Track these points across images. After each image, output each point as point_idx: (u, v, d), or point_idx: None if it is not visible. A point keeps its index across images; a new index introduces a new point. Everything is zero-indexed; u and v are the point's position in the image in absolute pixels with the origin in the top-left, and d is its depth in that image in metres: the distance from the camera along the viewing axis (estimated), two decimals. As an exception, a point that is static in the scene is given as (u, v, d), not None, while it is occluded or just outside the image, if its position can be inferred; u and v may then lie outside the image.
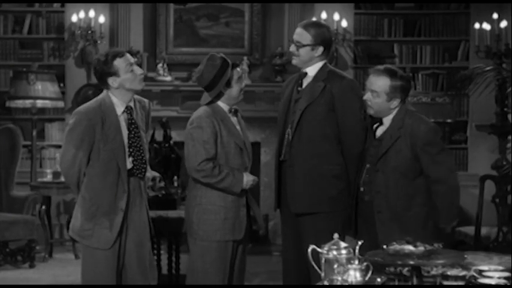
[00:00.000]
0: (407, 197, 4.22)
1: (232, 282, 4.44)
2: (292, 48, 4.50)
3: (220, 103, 4.39)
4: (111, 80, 4.24)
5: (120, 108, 4.28)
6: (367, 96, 4.27)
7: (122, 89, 4.26)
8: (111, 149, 4.22)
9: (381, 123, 4.31)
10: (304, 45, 4.45)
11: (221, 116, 4.37)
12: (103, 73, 4.25)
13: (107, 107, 4.25)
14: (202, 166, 4.30)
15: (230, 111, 4.41)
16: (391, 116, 4.27)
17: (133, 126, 4.30)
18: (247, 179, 4.36)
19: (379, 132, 4.31)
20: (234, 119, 4.43)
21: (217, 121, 4.34)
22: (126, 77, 4.23)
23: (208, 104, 4.39)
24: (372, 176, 4.28)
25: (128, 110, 4.30)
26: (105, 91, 4.31)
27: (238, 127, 4.43)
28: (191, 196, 4.45)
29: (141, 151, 4.32)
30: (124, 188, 4.25)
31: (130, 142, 4.28)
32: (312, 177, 4.42)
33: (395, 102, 4.24)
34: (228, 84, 4.35)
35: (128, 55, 4.30)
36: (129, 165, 4.27)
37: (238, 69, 4.42)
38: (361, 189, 4.34)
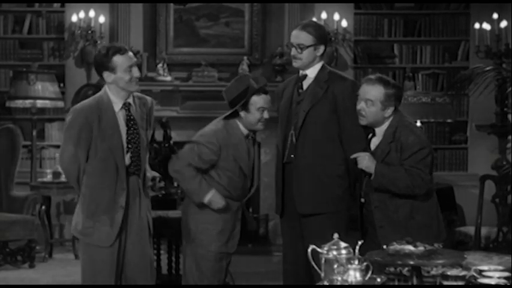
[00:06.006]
0: (408, 208, 4.22)
1: None
2: (294, 52, 4.47)
3: (241, 126, 4.41)
4: (106, 74, 4.23)
5: (117, 105, 4.27)
6: (361, 106, 4.26)
7: (116, 86, 4.25)
8: (109, 147, 4.22)
9: (374, 135, 4.32)
10: (307, 47, 4.44)
11: (236, 139, 4.39)
12: (100, 65, 4.24)
13: (104, 104, 4.24)
14: (183, 169, 4.37)
15: (247, 136, 4.42)
16: (384, 127, 4.28)
17: (132, 122, 4.28)
18: (213, 198, 4.38)
19: (373, 144, 4.33)
20: (249, 144, 4.47)
21: (228, 143, 4.37)
22: (122, 76, 4.21)
23: (227, 118, 4.41)
24: (370, 189, 4.29)
25: (126, 106, 4.29)
26: (103, 88, 4.31)
27: (251, 150, 4.48)
28: (190, 202, 4.47)
29: (139, 148, 4.31)
30: (123, 186, 4.25)
31: (129, 138, 4.28)
32: (317, 178, 4.44)
33: (389, 111, 4.24)
34: (246, 108, 4.35)
35: (130, 54, 4.27)
36: (127, 161, 4.27)
37: (265, 97, 4.40)
38: (362, 200, 4.37)
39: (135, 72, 4.25)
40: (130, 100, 4.31)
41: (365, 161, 4.21)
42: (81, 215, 4.29)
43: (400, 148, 4.19)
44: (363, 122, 4.30)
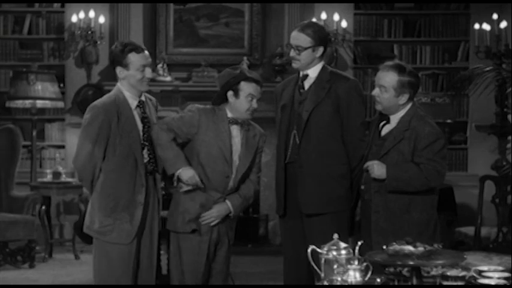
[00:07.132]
0: (407, 200, 4.21)
1: (207, 282, 4.48)
2: (293, 53, 4.47)
3: (228, 110, 4.39)
4: (119, 70, 4.28)
5: (133, 102, 4.32)
6: (376, 91, 4.27)
7: (128, 83, 4.29)
8: (128, 144, 4.25)
9: (388, 122, 4.31)
10: (305, 48, 4.45)
11: (218, 119, 4.36)
12: (115, 60, 4.30)
13: (121, 101, 4.29)
14: (162, 122, 4.35)
15: (229, 121, 4.39)
16: (399, 115, 4.26)
17: (146, 120, 4.33)
18: (190, 174, 4.28)
19: (384, 131, 4.31)
20: (234, 131, 4.40)
21: (208, 120, 4.35)
22: (134, 74, 4.27)
23: (216, 104, 4.40)
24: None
25: (141, 104, 4.34)
26: (116, 86, 4.36)
27: (237, 139, 4.40)
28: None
29: (153, 146, 4.34)
30: (142, 182, 4.28)
31: (145, 136, 4.32)
32: (321, 177, 4.45)
33: (404, 98, 4.23)
34: (235, 94, 4.34)
35: (146, 54, 4.32)
36: (145, 158, 4.30)
37: (255, 86, 4.34)
38: (362, 187, 4.35)
39: (148, 73, 4.31)
40: (143, 98, 4.37)
41: (375, 170, 4.18)
42: (97, 213, 4.28)
43: (415, 138, 4.18)
44: (378, 107, 4.30)
